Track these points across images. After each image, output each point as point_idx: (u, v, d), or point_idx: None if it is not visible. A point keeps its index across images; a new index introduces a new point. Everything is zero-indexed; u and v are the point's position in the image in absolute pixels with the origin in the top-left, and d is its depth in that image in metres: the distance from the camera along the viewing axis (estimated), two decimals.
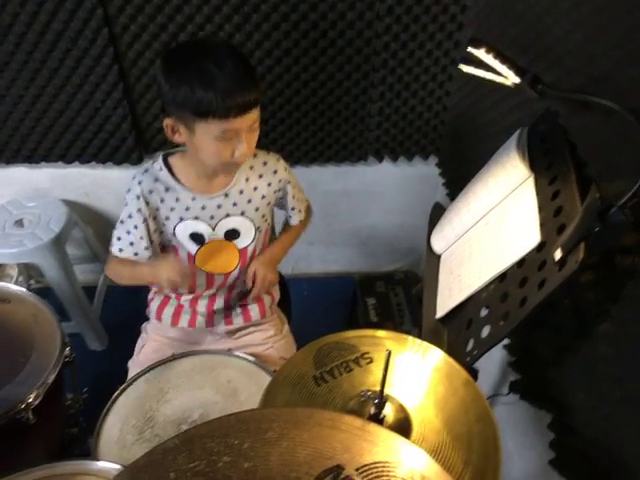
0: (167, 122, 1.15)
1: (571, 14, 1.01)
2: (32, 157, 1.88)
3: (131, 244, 1.30)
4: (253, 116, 1.12)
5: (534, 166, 1.07)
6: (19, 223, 1.89)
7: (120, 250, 1.31)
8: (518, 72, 0.88)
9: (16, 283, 2.22)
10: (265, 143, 1.91)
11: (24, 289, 1.41)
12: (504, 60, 0.87)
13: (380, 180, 2.14)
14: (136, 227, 1.28)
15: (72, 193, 2.06)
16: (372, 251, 2.45)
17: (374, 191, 2.18)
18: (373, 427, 0.66)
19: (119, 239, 1.31)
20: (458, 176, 1.83)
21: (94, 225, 2.15)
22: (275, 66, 1.71)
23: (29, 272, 2.35)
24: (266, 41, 1.65)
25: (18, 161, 1.90)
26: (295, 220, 1.46)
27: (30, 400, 1.16)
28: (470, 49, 0.86)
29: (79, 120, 1.78)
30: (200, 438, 0.65)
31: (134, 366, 1.42)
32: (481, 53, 0.86)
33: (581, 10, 0.98)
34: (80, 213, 2.09)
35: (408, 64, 1.74)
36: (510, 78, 0.90)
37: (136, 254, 1.31)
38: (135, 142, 1.84)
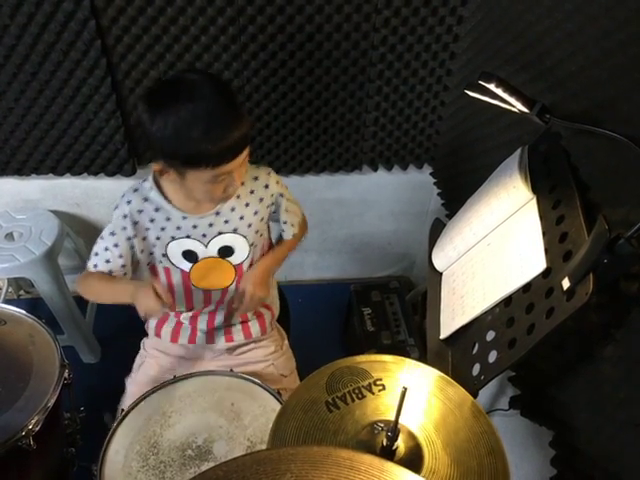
0: (155, 167, 1.11)
1: (575, 37, 1.00)
2: (22, 169, 1.84)
3: (107, 261, 1.26)
4: (244, 154, 1.10)
5: (536, 188, 1.07)
6: (9, 236, 1.85)
7: (95, 266, 1.27)
8: (526, 103, 0.88)
9: (5, 294, 2.19)
10: (260, 153, 1.90)
11: (20, 309, 1.38)
12: (513, 92, 0.87)
13: (374, 188, 2.13)
14: (116, 245, 1.25)
15: (63, 204, 2.02)
16: (366, 257, 2.45)
17: (368, 199, 2.18)
18: (391, 466, 0.65)
19: (96, 254, 1.27)
20: (453, 187, 1.84)
21: (85, 235, 2.12)
22: (270, 77, 1.69)
23: (18, 283, 2.31)
24: (261, 52, 1.63)
25: (8, 173, 1.85)
26: (288, 234, 1.42)
27: (30, 426, 1.14)
28: (481, 82, 0.86)
29: (71, 132, 1.74)
30: None
31: (133, 385, 1.40)
32: (491, 86, 0.86)
33: (585, 34, 0.97)
34: (71, 223, 2.06)
35: (404, 74, 1.73)
36: (517, 107, 0.90)
37: (110, 272, 1.27)
38: (128, 154, 1.81)
